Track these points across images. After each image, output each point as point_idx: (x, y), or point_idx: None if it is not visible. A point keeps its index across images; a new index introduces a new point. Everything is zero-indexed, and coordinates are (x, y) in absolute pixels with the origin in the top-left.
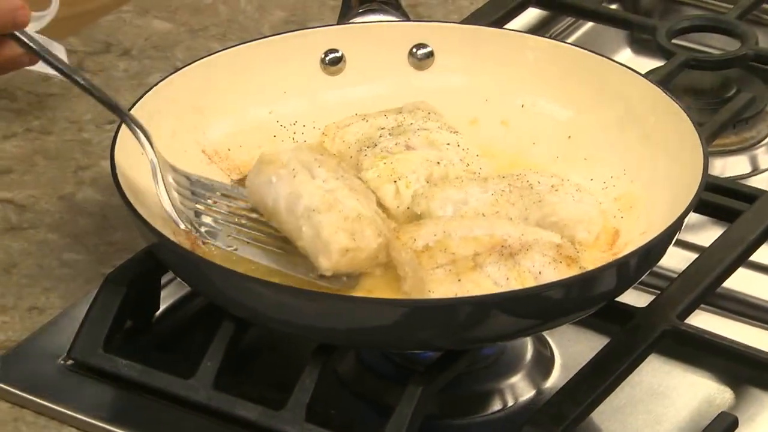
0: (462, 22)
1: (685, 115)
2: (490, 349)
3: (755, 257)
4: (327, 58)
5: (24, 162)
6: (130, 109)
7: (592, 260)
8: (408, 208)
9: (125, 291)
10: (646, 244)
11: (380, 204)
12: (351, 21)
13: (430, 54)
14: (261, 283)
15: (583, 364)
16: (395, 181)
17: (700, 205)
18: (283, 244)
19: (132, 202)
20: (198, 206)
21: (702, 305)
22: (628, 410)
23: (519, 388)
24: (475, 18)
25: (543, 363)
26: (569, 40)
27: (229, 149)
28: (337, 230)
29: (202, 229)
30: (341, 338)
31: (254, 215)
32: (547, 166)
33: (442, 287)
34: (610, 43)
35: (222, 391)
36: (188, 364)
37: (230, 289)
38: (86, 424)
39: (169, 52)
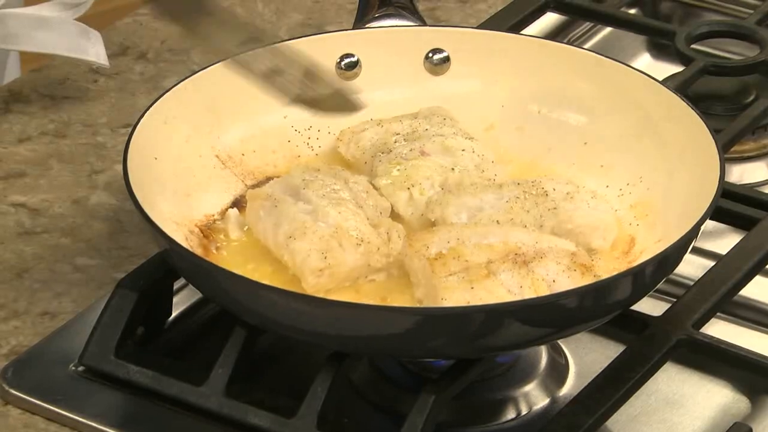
0: (479, 27)
1: (701, 122)
2: (504, 357)
3: None
4: (343, 63)
5: (38, 165)
6: (144, 112)
7: (607, 268)
8: (422, 215)
9: (137, 297)
10: (661, 253)
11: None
12: (367, 25)
13: (446, 59)
14: (273, 291)
15: (599, 372)
16: (409, 188)
17: (716, 213)
18: None
19: (144, 207)
20: None
21: (718, 314)
22: (642, 419)
23: (533, 397)
24: (492, 22)
25: (558, 371)
26: (587, 45)
27: (243, 154)
28: (308, 253)
29: None
30: (353, 346)
31: None
32: (562, 172)
33: (454, 295)
34: (629, 48)
35: (233, 398)
36: (200, 370)
37: (242, 296)
38: (97, 431)
39: (185, 55)
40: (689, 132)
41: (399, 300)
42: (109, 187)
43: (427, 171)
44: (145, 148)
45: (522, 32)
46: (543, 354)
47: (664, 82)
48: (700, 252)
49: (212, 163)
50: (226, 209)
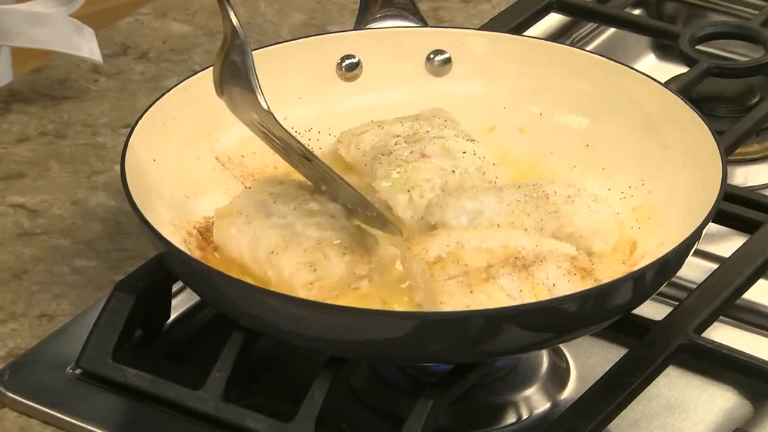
0: (481, 28)
1: (704, 124)
2: (504, 361)
3: None
4: (343, 64)
5: (38, 166)
6: (143, 114)
7: (609, 272)
8: (422, 218)
9: (135, 299)
10: (662, 257)
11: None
12: (368, 26)
13: (448, 60)
14: (271, 295)
15: (600, 375)
16: (409, 191)
17: (719, 216)
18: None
19: (141, 209)
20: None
21: (721, 317)
22: (643, 424)
23: (534, 401)
24: (495, 23)
25: (558, 375)
26: (591, 46)
27: (242, 156)
28: (296, 267)
29: None
30: (351, 350)
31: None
32: (564, 175)
33: (453, 299)
34: (634, 49)
35: (231, 402)
36: (199, 374)
37: (240, 300)
38: None
39: (186, 55)
40: (691, 135)
41: (400, 303)
42: (108, 188)
43: (427, 173)
44: (144, 150)
45: (525, 33)
46: (544, 358)
47: (667, 85)
48: (703, 255)
49: (211, 164)
50: None
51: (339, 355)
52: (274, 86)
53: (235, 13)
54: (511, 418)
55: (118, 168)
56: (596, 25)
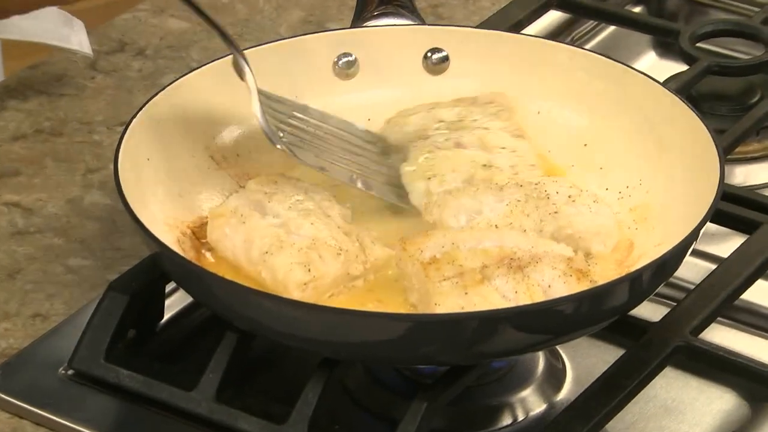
0: (480, 25)
1: (702, 124)
2: (500, 362)
3: None
4: (340, 62)
5: (33, 164)
6: (137, 112)
7: (605, 273)
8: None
9: (128, 300)
10: (659, 258)
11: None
12: (365, 24)
13: (446, 59)
14: (264, 296)
15: (597, 376)
16: (429, 178)
17: (718, 216)
18: (371, 167)
19: (135, 208)
20: (284, 124)
21: (720, 318)
22: (639, 426)
23: (530, 402)
24: (495, 20)
25: (555, 376)
26: (592, 43)
27: (238, 155)
28: (291, 267)
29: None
30: (345, 352)
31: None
32: (562, 174)
33: (448, 300)
34: (634, 46)
35: (224, 403)
36: (192, 375)
37: (232, 301)
38: None
39: (184, 52)
40: (690, 134)
41: (396, 303)
42: (104, 187)
43: (455, 164)
44: (138, 148)
45: (525, 30)
46: (540, 359)
47: (666, 84)
48: (702, 255)
49: (206, 163)
50: None
51: (332, 356)
52: (270, 85)
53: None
54: (507, 420)
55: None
56: (596, 22)
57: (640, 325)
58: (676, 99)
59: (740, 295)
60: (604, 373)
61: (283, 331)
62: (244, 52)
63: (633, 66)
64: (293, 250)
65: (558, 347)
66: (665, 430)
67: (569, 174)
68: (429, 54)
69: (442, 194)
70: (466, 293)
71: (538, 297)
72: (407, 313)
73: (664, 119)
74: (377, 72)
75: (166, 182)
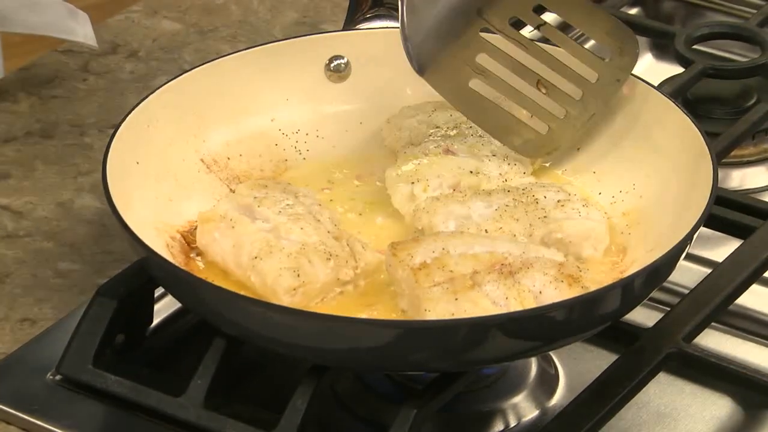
0: None
1: (695, 128)
2: (491, 368)
3: None
4: (332, 65)
5: (23, 167)
6: (127, 115)
7: (597, 279)
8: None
9: (117, 304)
10: (651, 264)
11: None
12: (357, 27)
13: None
14: (251, 302)
15: (590, 382)
16: (412, 183)
17: (712, 221)
18: None
19: (123, 212)
20: None
21: (714, 324)
22: None
23: (522, 408)
24: None
25: (547, 382)
26: (588, 45)
27: (228, 158)
28: (280, 272)
29: None
30: (333, 359)
31: None
32: (555, 178)
33: (438, 306)
34: None
35: (212, 410)
36: (181, 380)
37: (220, 307)
38: None
39: (177, 53)
40: (683, 139)
41: (387, 308)
42: (94, 190)
43: (441, 169)
44: (127, 152)
45: (521, 31)
46: (532, 364)
47: (661, 86)
48: (696, 259)
49: (196, 167)
50: None
51: (321, 363)
52: (261, 88)
53: None
54: (498, 426)
55: None
56: None
57: (632, 331)
58: (669, 103)
59: (734, 300)
60: (594, 380)
61: (271, 337)
62: (234, 54)
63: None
64: (282, 255)
65: (551, 352)
66: None
67: (562, 178)
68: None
69: (430, 200)
70: (456, 299)
71: (529, 303)
72: (396, 319)
73: (657, 123)
74: (369, 74)
75: (155, 186)
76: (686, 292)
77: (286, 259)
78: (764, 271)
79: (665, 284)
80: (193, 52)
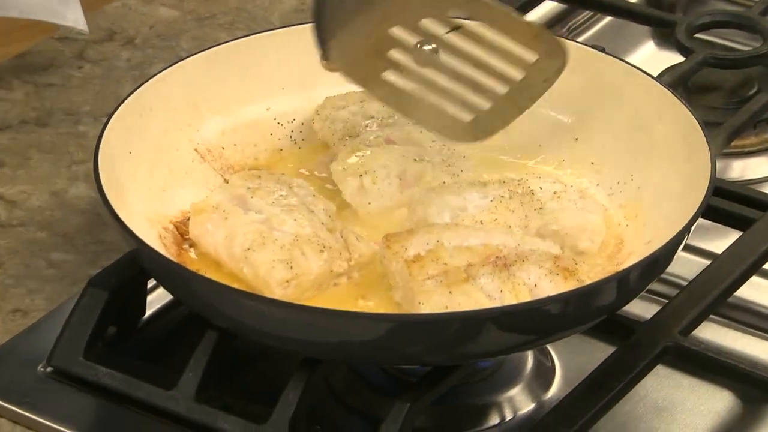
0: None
1: (693, 119)
2: (486, 361)
3: None
4: None
5: (18, 155)
6: (120, 104)
7: (593, 271)
8: (369, 203)
9: (108, 296)
10: (648, 257)
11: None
12: None
13: (435, 51)
14: (242, 294)
15: (586, 375)
16: (361, 176)
17: (711, 213)
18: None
19: (115, 203)
20: None
21: (713, 316)
22: (630, 427)
23: (518, 401)
24: None
25: (543, 374)
26: (589, 33)
27: (223, 148)
28: (272, 264)
29: None
30: (326, 352)
31: None
32: (552, 170)
33: (432, 299)
34: (632, 37)
35: (204, 403)
36: (172, 373)
37: (211, 299)
38: None
39: (173, 41)
40: (681, 129)
41: (383, 301)
42: (89, 179)
43: (386, 160)
44: (119, 141)
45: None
46: (529, 357)
47: (661, 76)
48: (695, 251)
49: (190, 157)
50: None
51: (313, 356)
52: (257, 77)
53: None
54: (494, 419)
55: None
56: (593, 12)
57: (629, 324)
58: (667, 93)
59: (732, 293)
60: (590, 373)
61: (263, 330)
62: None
63: (630, 56)
64: (275, 246)
65: (547, 345)
66: (656, 430)
67: (560, 169)
68: (418, 45)
69: (425, 192)
70: (450, 292)
71: (524, 296)
72: (388, 313)
73: (655, 113)
74: None
75: (148, 176)
76: (684, 283)
77: (279, 250)
78: (764, 263)
79: (663, 276)
80: (190, 40)
